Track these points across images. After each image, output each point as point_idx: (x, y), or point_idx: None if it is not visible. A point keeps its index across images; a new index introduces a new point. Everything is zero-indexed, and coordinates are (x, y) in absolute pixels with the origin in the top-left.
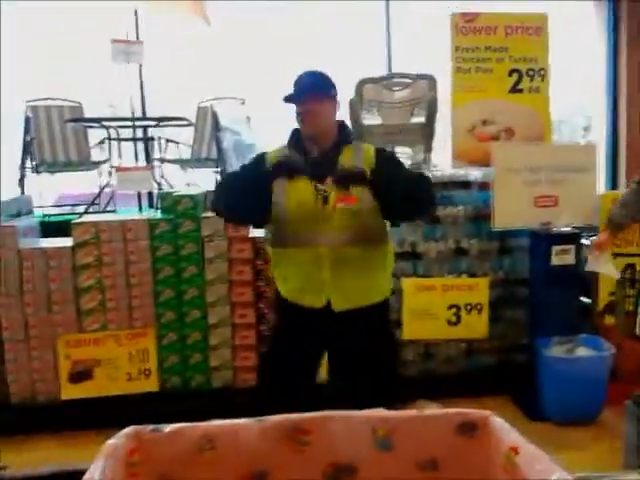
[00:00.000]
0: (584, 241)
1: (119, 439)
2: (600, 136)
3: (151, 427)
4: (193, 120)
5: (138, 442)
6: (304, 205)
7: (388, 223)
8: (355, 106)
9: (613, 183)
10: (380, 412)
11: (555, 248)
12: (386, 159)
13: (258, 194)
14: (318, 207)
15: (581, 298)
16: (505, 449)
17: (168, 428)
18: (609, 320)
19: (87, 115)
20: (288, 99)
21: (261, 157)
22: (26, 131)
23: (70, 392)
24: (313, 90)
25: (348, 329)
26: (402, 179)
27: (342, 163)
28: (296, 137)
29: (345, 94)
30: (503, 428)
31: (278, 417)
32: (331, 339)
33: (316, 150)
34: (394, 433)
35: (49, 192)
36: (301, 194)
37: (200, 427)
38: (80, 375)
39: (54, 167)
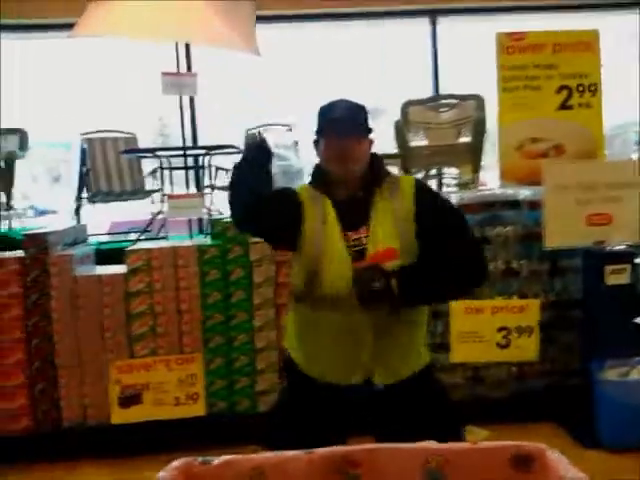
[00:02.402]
0: (638, 260)
1: (169, 472)
2: None
3: (200, 459)
4: (242, 147)
5: (188, 475)
6: (336, 259)
7: None
8: (401, 128)
9: None
10: (432, 444)
11: (609, 267)
12: (430, 202)
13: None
14: (351, 263)
15: (637, 319)
16: None
17: (217, 460)
18: None
19: (140, 145)
20: (321, 133)
21: (291, 190)
22: (82, 162)
23: (120, 417)
24: (353, 127)
25: (390, 410)
26: (449, 247)
27: (376, 206)
28: (320, 176)
29: (392, 116)
30: (561, 462)
31: (327, 449)
32: (372, 422)
33: (345, 192)
34: (446, 465)
35: (102, 219)
36: (335, 245)
37: (249, 459)
38: (130, 400)
39: (109, 197)
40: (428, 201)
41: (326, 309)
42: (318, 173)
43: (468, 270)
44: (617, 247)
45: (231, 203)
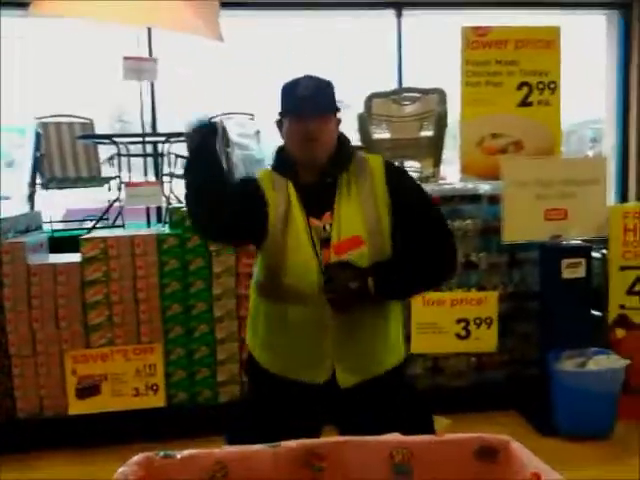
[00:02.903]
0: (594, 254)
1: (130, 467)
2: (609, 148)
3: (162, 454)
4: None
5: (149, 470)
6: (300, 248)
7: None
8: (364, 120)
9: (623, 195)
10: (397, 437)
11: (565, 261)
12: (401, 179)
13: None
14: (316, 252)
15: (592, 311)
16: (526, 475)
17: (179, 454)
18: (620, 333)
19: (97, 131)
20: (285, 114)
21: (251, 180)
22: (36, 147)
23: (77, 407)
24: (319, 106)
25: (359, 409)
26: (423, 234)
27: (342, 190)
28: (283, 159)
29: (355, 108)
30: (524, 453)
31: (292, 443)
32: (337, 421)
33: (310, 176)
34: (412, 458)
35: (57, 207)
36: (299, 234)
37: (213, 454)
38: (87, 390)
39: (64, 183)
40: (399, 178)
41: (290, 302)
42: (281, 156)
43: (442, 263)
44: (573, 241)
45: (190, 210)
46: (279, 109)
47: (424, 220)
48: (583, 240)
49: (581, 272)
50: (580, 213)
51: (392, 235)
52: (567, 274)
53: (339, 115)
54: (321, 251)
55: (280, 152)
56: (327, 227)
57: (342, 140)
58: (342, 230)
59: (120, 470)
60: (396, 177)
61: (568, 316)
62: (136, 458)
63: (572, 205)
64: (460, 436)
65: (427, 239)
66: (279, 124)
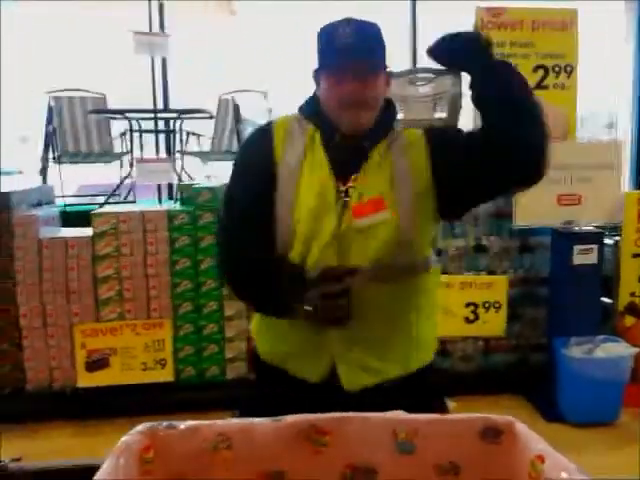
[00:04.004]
0: (607, 240)
1: (133, 436)
2: (625, 133)
3: (166, 424)
4: (214, 112)
5: (152, 439)
6: (319, 212)
7: (435, 231)
8: None
9: (638, 181)
10: (401, 414)
11: (577, 247)
12: (441, 133)
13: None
14: (335, 218)
15: (602, 298)
16: (530, 457)
17: (183, 425)
18: (629, 321)
19: (110, 106)
20: (324, 68)
21: (265, 135)
22: (48, 121)
23: (86, 380)
24: (368, 60)
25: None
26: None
27: (374, 156)
28: (316, 108)
29: None
30: (528, 435)
31: (295, 417)
32: None
33: (344, 137)
34: (415, 436)
35: (70, 182)
36: (317, 197)
37: (216, 425)
38: (96, 364)
39: (76, 158)
40: (439, 132)
41: None
42: (314, 105)
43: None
44: (585, 228)
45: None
46: (317, 60)
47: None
48: (596, 226)
49: (593, 259)
50: (594, 199)
51: (432, 213)
52: (578, 260)
53: (388, 69)
54: (339, 217)
55: (312, 101)
56: (349, 191)
57: (388, 101)
58: (365, 192)
59: (123, 439)
60: (438, 135)
61: (578, 303)
62: (140, 427)
63: (586, 190)
64: (465, 416)
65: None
66: (316, 76)
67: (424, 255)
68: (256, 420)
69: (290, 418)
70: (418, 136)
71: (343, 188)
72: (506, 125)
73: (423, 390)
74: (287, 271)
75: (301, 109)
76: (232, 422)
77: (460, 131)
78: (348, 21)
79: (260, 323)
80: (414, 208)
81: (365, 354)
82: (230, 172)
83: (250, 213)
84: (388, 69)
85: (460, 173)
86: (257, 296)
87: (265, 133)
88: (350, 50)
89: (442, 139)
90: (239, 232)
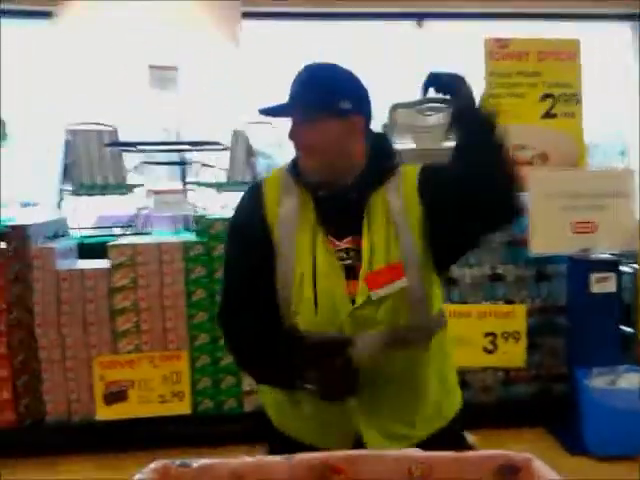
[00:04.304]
0: (624, 268)
1: (146, 474)
2: (636, 161)
3: (179, 462)
4: (227, 144)
5: (165, 477)
6: (323, 273)
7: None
8: (388, 131)
9: None
10: (416, 452)
11: (595, 275)
12: (433, 173)
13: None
14: (339, 283)
15: (622, 327)
16: None
17: (196, 464)
18: None
19: (124, 139)
20: (267, 112)
21: (256, 197)
22: (65, 155)
23: (105, 413)
24: (308, 103)
25: None
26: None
27: (374, 209)
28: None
29: (379, 119)
30: (546, 473)
31: (309, 455)
32: None
33: (331, 189)
34: (431, 474)
35: (85, 214)
36: (317, 258)
37: (229, 464)
38: (114, 396)
39: (92, 190)
40: (431, 174)
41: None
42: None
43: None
44: (602, 255)
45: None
46: None
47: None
48: (612, 254)
49: (611, 287)
50: (609, 226)
51: (431, 263)
52: (596, 288)
53: (356, 118)
54: (345, 282)
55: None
56: (350, 253)
57: (376, 151)
58: (375, 257)
59: (136, 477)
60: (429, 176)
61: (597, 332)
62: (153, 465)
63: (601, 218)
64: (481, 453)
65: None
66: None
67: (436, 312)
68: (270, 458)
69: (304, 456)
70: (413, 173)
71: (341, 247)
72: (474, 166)
73: (453, 441)
74: (286, 344)
75: (289, 170)
76: (246, 460)
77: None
78: (306, 66)
79: (270, 390)
80: (416, 255)
81: (391, 420)
82: (227, 235)
83: (249, 280)
84: (355, 116)
85: (443, 212)
86: (259, 369)
87: (256, 195)
88: (295, 95)
89: (433, 178)
90: (240, 300)
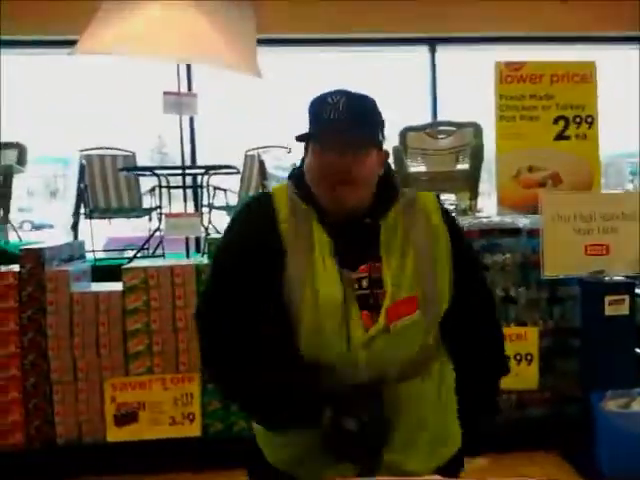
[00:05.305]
0: (638, 290)
1: None
2: None
3: None
4: (240, 167)
5: None
6: (327, 309)
7: None
8: (399, 154)
9: None
10: (435, 478)
11: (608, 298)
12: (458, 232)
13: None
14: (354, 315)
15: (636, 350)
16: None
17: None
18: None
19: (139, 163)
20: (311, 139)
21: (266, 206)
22: (80, 179)
23: (115, 435)
24: (357, 136)
25: None
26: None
27: (387, 235)
28: (305, 182)
29: (390, 142)
30: None
31: None
32: None
33: (329, 208)
34: None
35: (98, 235)
36: (324, 288)
37: None
38: (125, 418)
39: (107, 213)
40: (457, 228)
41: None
42: (303, 179)
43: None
44: (615, 277)
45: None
46: (307, 130)
47: (473, 299)
48: (626, 276)
49: (624, 309)
50: (622, 248)
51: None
52: (610, 311)
53: (384, 146)
54: (360, 315)
55: (301, 173)
56: (364, 283)
57: (387, 178)
58: (394, 288)
59: None
60: (454, 225)
61: (611, 354)
62: None
63: (614, 240)
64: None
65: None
66: (305, 146)
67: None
68: None
69: None
70: (432, 201)
71: (356, 276)
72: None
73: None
74: (304, 382)
75: (294, 186)
76: None
77: (473, 263)
78: (339, 92)
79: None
80: (435, 288)
81: (395, 455)
82: (221, 243)
83: (248, 291)
84: (383, 147)
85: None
86: (251, 404)
87: (266, 208)
88: (337, 123)
89: (459, 242)
90: (231, 316)
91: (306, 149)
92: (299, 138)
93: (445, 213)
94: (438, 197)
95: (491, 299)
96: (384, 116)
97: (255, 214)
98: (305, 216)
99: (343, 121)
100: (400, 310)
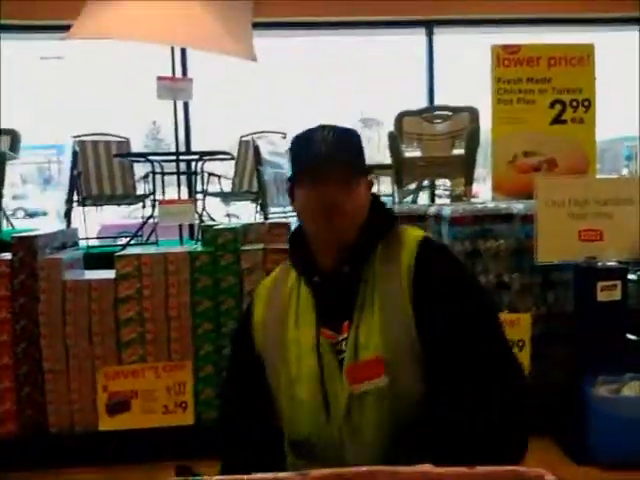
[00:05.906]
0: (630, 276)
1: None
2: None
3: (191, 479)
4: (235, 154)
5: None
6: (306, 375)
7: None
8: (395, 139)
9: None
10: (429, 467)
11: (601, 284)
12: (434, 272)
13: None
14: (329, 379)
15: (628, 335)
16: None
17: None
18: None
19: (134, 149)
20: (296, 178)
21: (245, 325)
22: (73, 165)
23: (107, 424)
24: (341, 165)
25: None
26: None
27: (367, 286)
28: (300, 242)
29: (386, 126)
30: None
31: (322, 471)
32: None
33: (329, 264)
34: None
35: (91, 222)
36: (303, 353)
37: (241, 479)
38: (117, 407)
39: (100, 200)
40: (432, 270)
41: (297, 456)
42: (295, 244)
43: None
44: (609, 263)
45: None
46: (290, 173)
47: (466, 349)
48: (619, 262)
49: (617, 295)
50: (615, 234)
51: (425, 361)
52: (602, 297)
53: (368, 178)
54: (337, 378)
55: (294, 238)
56: (343, 344)
57: (375, 208)
58: (360, 347)
59: None
60: (430, 264)
61: (603, 340)
62: None
63: (608, 226)
64: (494, 469)
65: (474, 384)
66: (290, 192)
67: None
68: (285, 474)
69: (316, 472)
70: (412, 246)
71: (335, 338)
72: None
73: None
74: None
75: (290, 253)
76: (259, 476)
77: (451, 307)
78: (324, 127)
79: None
80: (399, 351)
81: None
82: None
83: (246, 404)
84: (369, 178)
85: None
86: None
87: (245, 322)
88: (328, 155)
89: (428, 287)
90: (238, 423)
91: (292, 191)
92: (289, 180)
93: (421, 252)
94: (427, 238)
95: (499, 356)
96: (377, 103)
97: (239, 326)
98: (287, 284)
99: (334, 154)
100: (363, 372)
